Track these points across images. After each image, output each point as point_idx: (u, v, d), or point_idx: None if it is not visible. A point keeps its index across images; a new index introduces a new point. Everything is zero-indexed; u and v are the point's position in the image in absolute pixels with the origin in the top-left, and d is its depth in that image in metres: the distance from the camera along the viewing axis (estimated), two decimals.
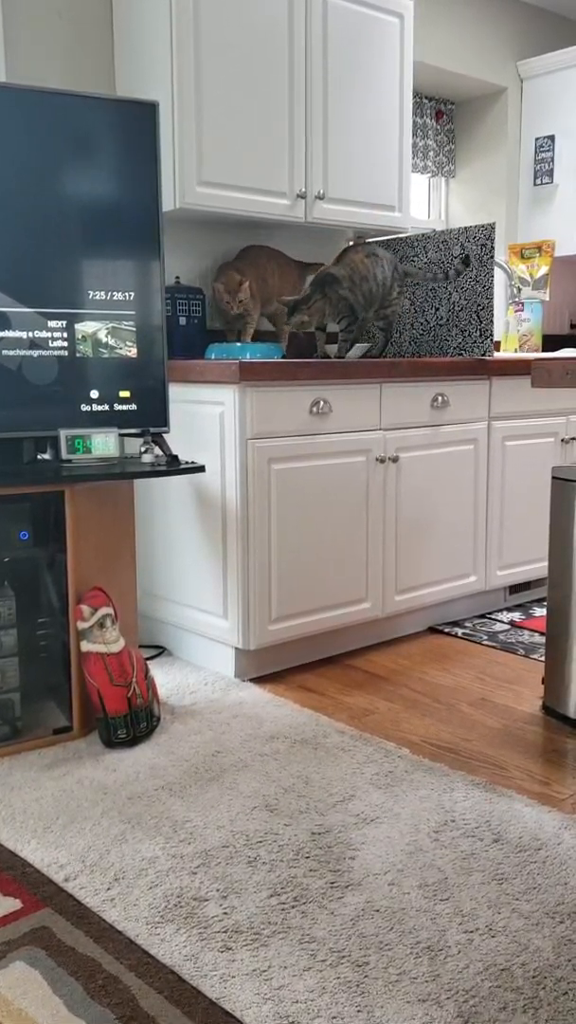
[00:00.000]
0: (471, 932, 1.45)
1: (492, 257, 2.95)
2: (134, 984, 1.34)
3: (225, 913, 1.50)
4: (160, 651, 2.81)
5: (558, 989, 1.32)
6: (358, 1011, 1.28)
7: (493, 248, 2.94)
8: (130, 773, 2.00)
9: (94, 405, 2.23)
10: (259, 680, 2.58)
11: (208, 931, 1.45)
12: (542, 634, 2.97)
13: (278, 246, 3.22)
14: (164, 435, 2.36)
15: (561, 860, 1.65)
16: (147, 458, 2.28)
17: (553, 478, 2.27)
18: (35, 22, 2.65)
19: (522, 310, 3.74)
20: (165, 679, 2.58)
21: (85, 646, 2.13)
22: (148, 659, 2.75)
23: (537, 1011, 1.28)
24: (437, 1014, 1.27)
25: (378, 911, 1.50)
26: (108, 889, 1.57)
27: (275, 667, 2.65)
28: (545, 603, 2.86)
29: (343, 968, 1.37)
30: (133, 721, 2.14)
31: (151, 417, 2.30)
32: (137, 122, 2.20)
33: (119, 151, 2.19)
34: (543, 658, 2.73)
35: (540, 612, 3.21)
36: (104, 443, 2.21)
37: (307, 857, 1.66)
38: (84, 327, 2.20)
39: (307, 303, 2.81)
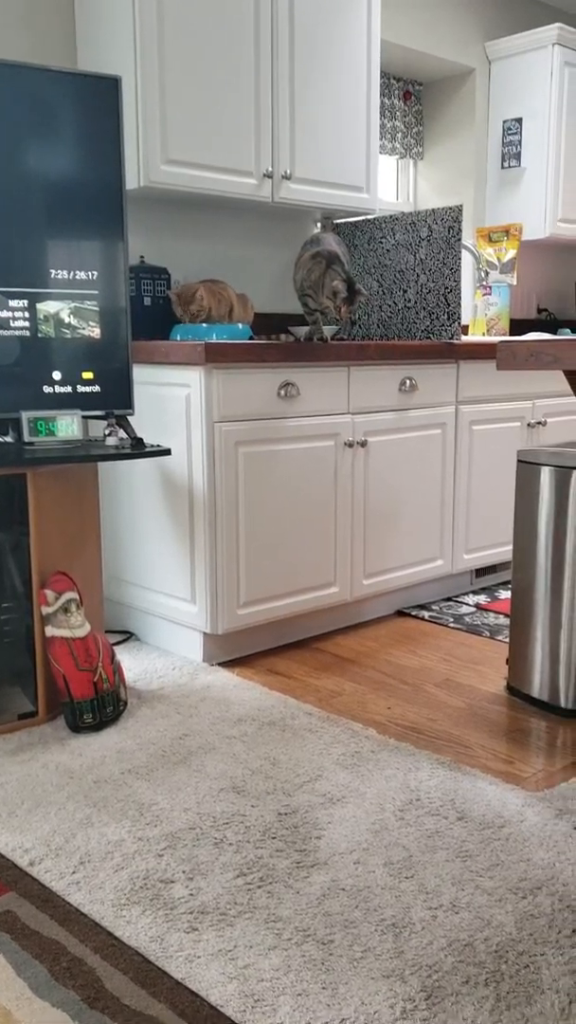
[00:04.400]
0: (435, 909, 1.46)
1: (459, 240, 2.95)
2: (99, 966, 1.34)
3: (191, 894, 1.50)
4: (128, 636, 2.80)
5: (519, 963, 1.34)
6: (323, 988, 1.29)
7: (460, 230, 2.94)
8: (96, 757, 1.99)
9: (57, 387, 2.20)
10: (227, 664, 2.58)
11: (174, 912, 1.45)
12: (507, 616, 2.99)
13: (245, 227, 3.19)
14: (129, 417, 2.34)
15: (524, 837, 1.67)
16: (111, 441, 2.25)
17: (519, 462, 2.28)
18: None
19: (490, 294, 3.75)
20: (133, 664, 2.57)
21: (50, 631, 2.11)
22: (115, 644, 2.73)
23: (499, 984, 1.29)
24: (401, 989, 1.28)
25: (343, 890, 1.51)
26: (73, 872, 1.56)
27: (243, 651, 2.65)
28: (510, 586, 2.88)
29: (308, 946, 1.38)
30: (99, 706, 2.12)
31: (115, 399, 2.28)
32: (99, 97, 2.16)
33: (81, 127, 2.15)
34: (507, 639, 2.75)
35: (505, 595, 3.23)
36: (67, 425, 2.18)
37: (273, 837, 1.67)
38: (46, 307, 2.16)
39: (321, 279, 2.69)
